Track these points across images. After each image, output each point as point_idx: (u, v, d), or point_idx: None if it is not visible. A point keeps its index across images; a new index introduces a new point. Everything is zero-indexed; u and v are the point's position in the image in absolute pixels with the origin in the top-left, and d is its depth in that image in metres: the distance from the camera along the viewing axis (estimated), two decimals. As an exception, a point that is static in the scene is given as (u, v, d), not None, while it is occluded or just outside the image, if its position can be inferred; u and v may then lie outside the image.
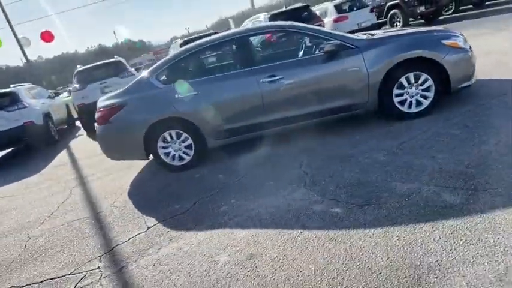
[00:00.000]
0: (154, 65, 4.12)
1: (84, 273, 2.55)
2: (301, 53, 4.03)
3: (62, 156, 6.89)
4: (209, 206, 3.08)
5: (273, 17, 9.44)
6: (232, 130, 3.91)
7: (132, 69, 8.98)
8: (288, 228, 2.44)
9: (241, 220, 2.71)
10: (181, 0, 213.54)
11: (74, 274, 2.57)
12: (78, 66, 8.78)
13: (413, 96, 3.72)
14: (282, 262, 2.13)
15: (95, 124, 4.25)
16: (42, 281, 2.60)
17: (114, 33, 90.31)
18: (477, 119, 3.38)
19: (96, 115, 4.13)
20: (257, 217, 2.69)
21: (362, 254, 2.01)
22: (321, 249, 2.15)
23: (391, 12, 11.51)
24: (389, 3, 11.46)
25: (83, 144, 7.65)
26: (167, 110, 3.86)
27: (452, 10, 11.48)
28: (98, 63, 8.61)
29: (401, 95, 3.72)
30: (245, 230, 2.56)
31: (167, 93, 3.89)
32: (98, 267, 2.58)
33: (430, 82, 3.65)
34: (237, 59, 3.99)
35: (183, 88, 3.82)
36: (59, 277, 2.59)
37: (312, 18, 9.46)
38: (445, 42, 3.61)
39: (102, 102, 4.15)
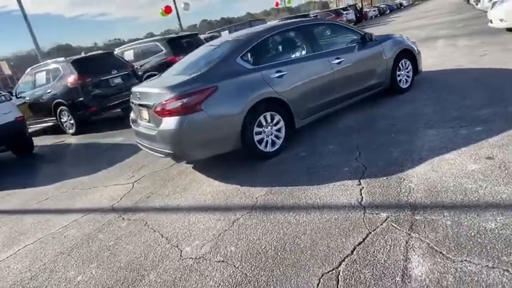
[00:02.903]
0: (233, 46, 3.79)
1: (390, 227, 2.31)
2: (344, 42, 4.75)
3: None
4: (380, 157, 3.28)
5: (169, 42, 9.50)
6: (313, 108, 4.13)
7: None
8: (473, 144, 3.17)
9: (429, 154, 3.15)
10: None
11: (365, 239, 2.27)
12: None
13: (403, 76, 5.25)
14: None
15: (165, 118, 3.35)
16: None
17: None
18: (443, 88, 5.24)
19: (174, 104, 3.30)
20: (438, 149, 3.22)
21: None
22: (517, 141, 3.05)
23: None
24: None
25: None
26: (265, 90, 3.66)
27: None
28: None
29: (399, 75, 5.18)
30: (448, 154, 3.06)
31: (261, 73, 3.70)
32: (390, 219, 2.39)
33: (410, 66, 5.31)
34: (310, 42, 4.28)
35: None
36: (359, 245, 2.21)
37: (196, 42, 10.21)
38: (410, 41, 5.40)
39: (179, 88, 3.38)
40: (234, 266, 2.22)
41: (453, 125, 3.70)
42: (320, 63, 4.17)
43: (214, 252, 2.40)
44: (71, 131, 7.96)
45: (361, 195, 2.72)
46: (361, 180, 2.95)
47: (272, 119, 3.79)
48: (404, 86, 5.27)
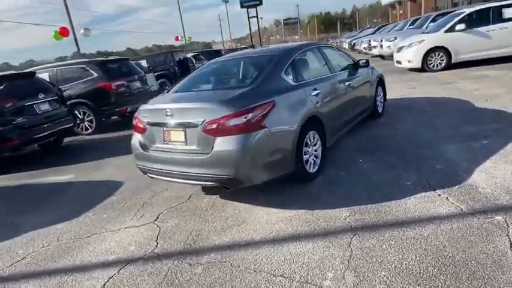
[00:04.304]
0: (273, 61, 3.55)
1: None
2: (347, 65, 4.87)
3: None
4: (430, 170, 3.44)
5: (101, 65, 8.34)
6: (336, 128, 4.12)
7: None
8: (496, 153, 3.60)
9: (470, 164, 3.45)
10: None
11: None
12: None
13: (379, 102, 5.78)
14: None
15: (221, 137, 2.85)
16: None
17: None
18: (410, 112, 5.96)
19: (236, 120, 2.86)
20: (472, 159, 3.56)
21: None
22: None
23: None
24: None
25: None
26: (310, 107, 3.52)
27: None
28: None
29: (377, 101, 5.68)
30: (486, 163, 3.40)
31: (304, 89, 3.55)
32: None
33: (382, 93, 5.91)
34: (328, 63, 4.32)
35: None
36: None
37: (128, 67, 9.38)
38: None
39: (238, 102, 2.97)
40: (411, 291, 1.94)
41: (460, 140, 4.17)
42: (339, 84, 4.28)
43: (367, 281, 2.06)
44: (-27, 172, 6.01)
45: (453, 203, 2.78)
46: (437, 191, 3.02)
47: (313, 138, 3.63)
48: (380, 110, 5.81)
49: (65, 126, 6.96)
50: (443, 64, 9.67)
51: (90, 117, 8.27)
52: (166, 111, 3.17)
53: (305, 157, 3.47)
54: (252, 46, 33.69)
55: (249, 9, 48.37)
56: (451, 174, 3.31)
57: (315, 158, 3.67)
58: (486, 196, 2.82)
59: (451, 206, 2.75)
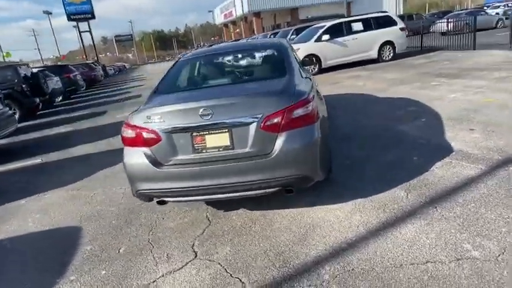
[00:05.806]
0: (283, 52, 3.37)
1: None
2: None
3: None
4: (418, 146, 3.89)
5: None
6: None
7: None
8: (442, 128, 4.43)
9: (439, 138, 4.10)
10: None
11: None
12: None
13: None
14: None
15: (284, 133, 2.45)
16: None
17: None
18: (337, 107, 6.57)
19: (301, 110, 2.53)
20: (435, 135, 4.25)
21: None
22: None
23: None
24: None
25: None
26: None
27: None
28: None
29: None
30: (447, 136, 4.14)
31: (312, 83, 3.42)
32: None
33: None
34: (298, 60, 4.20)
35: None
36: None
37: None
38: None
39: (293, 92, 2.68)
40: (545, 235, 2.13)
41: (403, 121, 4.88)
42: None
43: (504, 240, 2.14)
44: None
45: (470, 165, 3.23)
46: (446, 159, 3.44)
47: (324, 130, 3.55)
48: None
49: None
50: (316, 69, 11.15)
51: None
52: (201, 110, 2.45)
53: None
54: (94, 63, 30.37)
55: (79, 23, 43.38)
56: (436, 146, 3.84)
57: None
58: (483, 156, 3.40)
59: (472, 168, 3.19)
